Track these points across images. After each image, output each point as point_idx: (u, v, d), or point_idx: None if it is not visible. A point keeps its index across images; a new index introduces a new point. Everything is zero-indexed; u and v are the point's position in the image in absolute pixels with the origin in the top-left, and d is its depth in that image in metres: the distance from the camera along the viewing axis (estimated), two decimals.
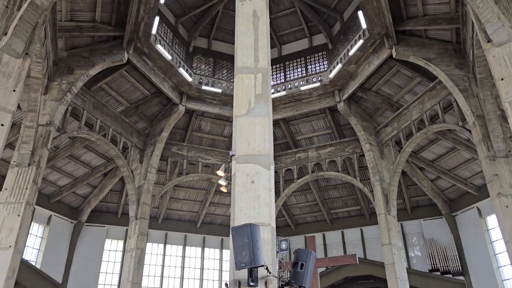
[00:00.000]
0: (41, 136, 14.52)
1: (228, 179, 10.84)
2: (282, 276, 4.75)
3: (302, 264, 4.74)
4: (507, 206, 13.10)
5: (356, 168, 22.18)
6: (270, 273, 4.19)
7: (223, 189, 12.81)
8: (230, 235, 4.26)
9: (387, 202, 19.29)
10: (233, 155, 5.14)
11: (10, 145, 18.84)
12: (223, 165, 11.55)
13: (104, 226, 24.98)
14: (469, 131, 15.61)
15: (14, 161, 13.99)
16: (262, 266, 4.07)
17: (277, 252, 4.64)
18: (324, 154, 22.92)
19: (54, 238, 22.70)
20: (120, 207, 25.06)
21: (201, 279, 26.10)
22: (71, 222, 23.92)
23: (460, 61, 15.93)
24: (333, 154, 22.75)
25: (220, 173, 11.22)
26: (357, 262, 17.56)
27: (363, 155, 21.53)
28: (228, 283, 4.41)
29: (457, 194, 23.41)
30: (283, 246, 4.52)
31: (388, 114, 20.88)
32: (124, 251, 23.62)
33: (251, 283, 4.11)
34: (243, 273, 4.26)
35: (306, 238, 18.58)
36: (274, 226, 4.59)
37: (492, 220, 22.02)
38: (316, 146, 23.31)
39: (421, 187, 23.40)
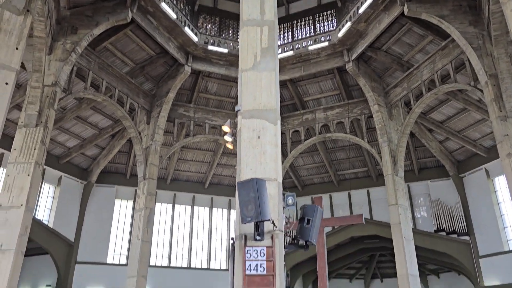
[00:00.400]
0: (47, 96, 14.47)
1: (234, 135, 10.75)
2: (288, 232, 4.74)
3: (308, 220, 4.72)
4: None
5: (364, 130, 22.00)
6: (276, 227, 4.18)
7: (229, 146, 12.74)
8: (236, 190, 4.24)
9: (394, 163, 19.23)
10: (238, 110, 5.04)
11: (17, 106, 18.87)
12: (229, 120, 11.41)
13: (114, 187, 25.34)
14: (481, 91, 15.26)
15: (22, 122, 14.03)
16: (268, 220, 4.05)
17: (284, 207, 4.61)
18: (332, 115, 22.71)
19: (65, 198, 23.14)
20: (128, 168, 25.32)
21: (210, 238, 26.66)
22: (81, 183, 24.28)
23: (474, 18, 15.36)
24: (340, 116, 22.53)
25: (225, 128, 11.11)
26: (364, 222, 17.68)
27: (371, 116, 21.29)
28: (234, 237, 4.41)
29: (466, 155, 23.27)
30: (290, 201, 4.48)
31: (398, 74, 20.46)
32: (133, 211, 24.04)
33: (257, 237, 4.11)
34: (249, 228, 4.26)
35: (313, 199, 18.74)
36: (281, 181, 4.54)
37: (500, 182, 21.98)
38: (323, 108, 23.07)
39: (429, 149, 23.25)
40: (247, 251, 4.16)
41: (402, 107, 20.26)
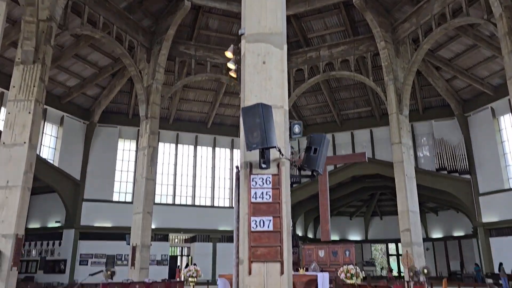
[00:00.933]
0: (43, 32, 13.96)
1: (238, 62, 10.39)
2: (294, 162, 4.63)
3: (315, 149, 4.59)
4: None
5: (369, 68, 21.45)
6: (282, 155, 4.05)
7: (232, 74, 12.38)
8: (241, 116, 4.07)
9: (399, 101, 18.92)
10: (242, 34, 4.75)
11: (14, 44, 18.31)
12: (232, 46, 10.97)
13: (116, 127, 25.32)
14: (494, 24, 14.61)
15: (18, 59, 13.68)
16: (274, 147, 3.91)
17: (290, 137, 4.46)
18: (337, 53, 22.06)
19: (68, 138, 23.20)
20: (130, 108, 25.14)
21: (213, 177, 27.03)
22: (84, 123, 24.22)
23: None
24: (346, 53, 21.89)
25: (228, 54, 10.71)
26: (366, 160, 17.84)
27: (378, 54, 20.64)
28: (239, 166, 4.30)
29: (472, 94, 22.89)
30: (296, 129, 4.33)
31: (406, 8, 19.56)
32: (137, 151, 24.18)
33: (263, 165, 4.01)
34: (255, 156, 4.14)
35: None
36: (287, 108, 4.36)
37: (505, 120, 21.80)
38: (328, 45, 22.36)
39: (436, 87, 22.83)
40: (253, 179, 4.07)
41: (409, 44, 19.58)
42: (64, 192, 22.45)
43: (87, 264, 22.73)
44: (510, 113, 21.27)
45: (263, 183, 4.05)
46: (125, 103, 25.22)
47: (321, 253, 17.27)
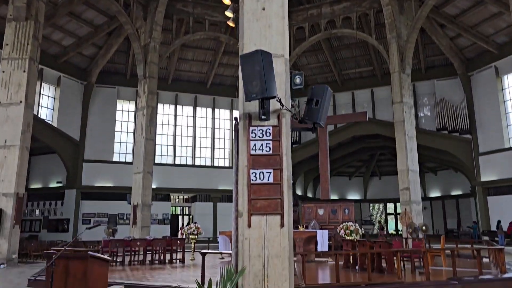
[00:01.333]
0: None
1: (236, 10, 10.04)
2: (295, 114, 4.49)
3: (317, 101, 4.44)
4: None
5: (372, 25, 20.91)
6: (283, 106, 3.90)
7: (230, 24, 12.01)
8: (239, 65, 3.90)
9: (402, 60, 18.55)
10: None
11: (5, 1, 17.71)
12: None
13: (115, 87, 25.00)
14: None
15: (10, 15, 13.28)
16: (275, 97, 3.76)
17: (291, 88, 4.29)
18: (339, 10, 21.43)
19: (66, 98, 22.94)
20: (128, 68, 24.71)
21: (213, 138, 26.98)
22: (81, 83, 23.88)
23: None
24: (348, 10, 21.27)
25: (226, 0, 10.34)
26: (367, 119, 17.74)
27: (381, 11, 20.04)
28: (238, 118, 4.17)
29: (476, 52, 22.42)
30: (298, 80, 4.16)
31: None
32: (136, 111, 23.99)
33: (263, 116, 3.87)
34: (254, 107, 4.00)
35: None
36: (288, 57, 4.17)
37: (508, 79, 21.48)
38: (330, 1, 21.69)
39: (439, 46, 22.32)
40: (252, 130, 3.94)
41: (414, 0, 18.97)
42: (64, 152, 22.46)
43: (89, 223, 23.07)
44: None
45: (262, 135, 3.93)
46: (122, 63, 24.77)
47: (321, 212, 17.47)
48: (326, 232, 11.74)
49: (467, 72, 22.97)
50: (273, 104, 3.95)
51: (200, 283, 7.44)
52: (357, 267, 9.25)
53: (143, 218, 17.88)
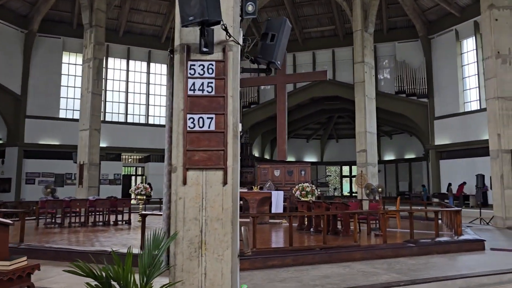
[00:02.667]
0: None
1: None
2: (246, 52, 3.72)
3: (273, 35, 3.69)
4: (496, 19, 12.15)
5: None
6: (230, 36, 3.12)
7: None
8: None
9: (365, 17, 17.93)
10: None
11: None
12: None
13: (60, 38, 22.97)
14: None
15: None
16: (219, 22, 2.96)
17: (241, 18, 3.50)
18: None
19: (4, 48, 20.82)
20: (74, 16, 22.63)
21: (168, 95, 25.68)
22: (22, 32, 21.71)
23: None
24: None
25: None
26: (327, 78, 17.15)
27: None
28: (173, 49, 3.35)
29: (438, 15, 22.18)
30: (250, 8, 3.37)
31: None
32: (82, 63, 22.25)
33: (204, 48, 3.09)
34: (194, 36, 3.19)
35: None
36: None
37: (467, 44, 21.48)
38: None
39: (403, 6, 21.85)
40: (190, 66, 3.15)
41: None
42: (3, 107, 20.63)
43: (34, 183, 21.68)
44: (474, 37, 20.88)
45: (204, 72, 3.16)
46: (68, 10, 22.66)
47: (277, 173, 17.09)
48: (281, 193, 11.31)
49: (428, 35, 22.79)
50: (218, 34, 3.16)
51: (140, 247, 6.77)
52: (311, 229, 8.88)
53: (90, 177, 16.80)
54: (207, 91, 3.13)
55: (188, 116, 3.09)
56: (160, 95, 25.62)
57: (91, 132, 16.88)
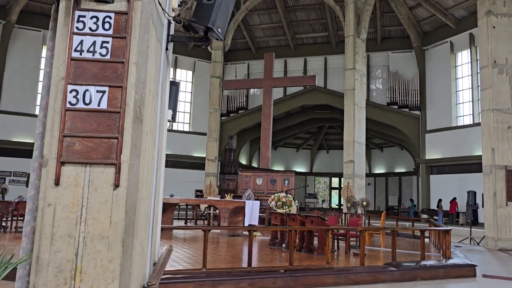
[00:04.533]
0: None
1: None
2: (179, 15, 2.80)
3: None
4: (494, 27, 11.38)
5: None
6: None
7: None
8: None
9: (358, 23, 17.18)
10: None
11: None
12: None
13: (40, 31, 21.94)
14: None
15: None
16: None
17: None
18: None
19: None
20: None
21: None
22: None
23: None
24: None
25: None
26: (316, 84, 16.38)
27: None
28: None
29: (433, 26, 21.54)
30: None
31: None
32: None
33: None
34: None
35: (264, 54, 16.73)
36: None
37: (462, 57, 20.82)
38: None
39: (397, 14, 21.18)
40: (79, 17, 2.24)
41: None
42: None
43: (3, 182, 20.50)
44: (469, 49, 20.23)
45: (97, 27, 2.25)
46: (49, 3, 21.67)
47: (259, 181, 16.11)
48: (257, 203, 10.33)
49: (422, 46, 22.13)
50: None
51: None
52: (284, 245, 7.93)
53: None
54: (100, 53, 2.21)
55: (70, 87, 2.17)
56: None
57: None
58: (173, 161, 24.26)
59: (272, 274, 5.18)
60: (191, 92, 25.71)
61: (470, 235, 12.89)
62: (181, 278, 4.46)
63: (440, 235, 7.88)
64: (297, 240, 7.57)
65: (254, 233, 10.46)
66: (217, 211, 12.08)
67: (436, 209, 19.68)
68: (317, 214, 8.38)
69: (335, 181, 33.11)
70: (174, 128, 24.99)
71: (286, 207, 9.02)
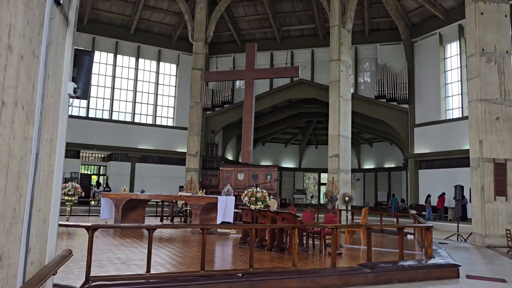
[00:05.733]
0: None
1: None
2: None
3: None
4: (482, 13, 10.86)
5: None
6: None
7: None
8: None
9: (344, 12, 16.59)
10: None
11: None
12: None
13: None
14: None
15: None
16: None
17: None
18: None
19: None
20: None
21: (135, 91, 24.01)
22: None
23: None
24: None
25: None
26: (299, 75, 15.69)
27: None
28: None
29: (422, 17, 21.02)
30: None
31: None
32: None
33: None
34: None
35: (246, 45, 16.08)
36: None
37: (451, 49, 20.35)
38: None
39: (385, 5, 20.63)
40: None
41: None
42: None
43: None
44: (458, 41, 19.75)
45: None
46: None
47: (240, 176, 15.55)
48: (231, 198, 9.74)
49: (411, 38, 21.62)
50: None
51: None
52: (255, 244, 7.33)
53: None
54: None
55: None
56: (127, 90, 23.94)
57: None
58: (156, 157, 23.63)
59: (228, 279, 4.59)
60: (175, 86, 25.03)
61: (458, 231, 12.42)
62: (113, 286, 3.85)
63: (422, 231, 7.35)
64: (267, 238, 7.00)
65: (228, 231, 9.89)
66: (188, 207, 11.50)
67: (425, 204, 19.23)
68: (292, 210, 7.80)
69: (324, 176, 32.58)
70: (158, 123, 24.33)
71: (260, 203, 8.43)
